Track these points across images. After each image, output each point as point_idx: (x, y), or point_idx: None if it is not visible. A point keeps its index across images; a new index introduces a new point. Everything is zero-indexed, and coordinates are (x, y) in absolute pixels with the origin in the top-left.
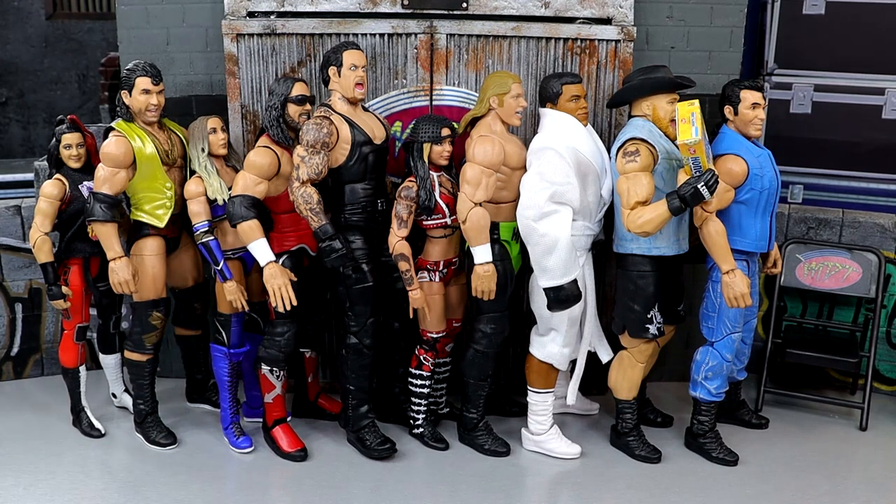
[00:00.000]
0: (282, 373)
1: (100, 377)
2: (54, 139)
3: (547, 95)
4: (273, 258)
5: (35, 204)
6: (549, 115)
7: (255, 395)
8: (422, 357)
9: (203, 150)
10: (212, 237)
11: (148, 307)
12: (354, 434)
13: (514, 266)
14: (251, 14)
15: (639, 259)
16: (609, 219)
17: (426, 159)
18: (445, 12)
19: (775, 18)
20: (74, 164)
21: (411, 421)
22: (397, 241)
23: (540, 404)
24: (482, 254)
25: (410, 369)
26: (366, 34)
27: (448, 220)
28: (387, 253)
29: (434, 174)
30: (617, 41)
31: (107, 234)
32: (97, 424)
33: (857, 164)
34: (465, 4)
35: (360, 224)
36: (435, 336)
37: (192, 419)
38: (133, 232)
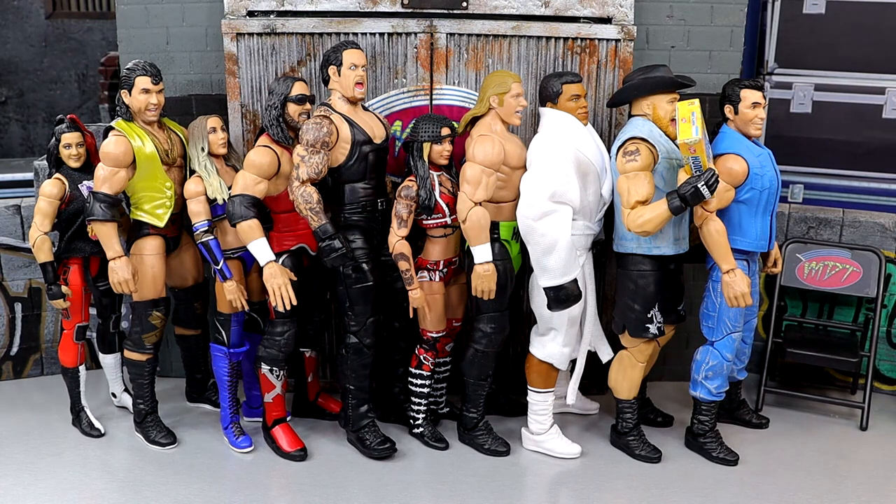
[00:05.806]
0: (282, 372)
1: (100, 377)
2: (54, 138)
3: (547, 95)
4: (273, 258)
5: (35, 203)
6: (549, 114)
7: (254, 394)
8: (422, 357)
9: (203, 149)
10: (211, 236)
11: (148, 307)
12: (354, 434)
13: (514, 266)
14: (251, 13)
15: (639, 259)
16: (609, 218)
17: (426, 159)
18: (445, 11)
19: (775, 18)
20: (74, 164)
21: (411, 421)
22: (397, 240)
23: (540, 404)
24: (482, 253)
25: (410, 369)
26: (366, 33)
27: (448, 220)
28: (387, 252)
29: (434, 173)
30: (617, 40)
31: (106, 234)
32: (97, 424)
33: (857, 164)
34: (465, 3)
35: (360, 223)
36: (435, 336)
37: (192, 419)
38: (133, 231)
